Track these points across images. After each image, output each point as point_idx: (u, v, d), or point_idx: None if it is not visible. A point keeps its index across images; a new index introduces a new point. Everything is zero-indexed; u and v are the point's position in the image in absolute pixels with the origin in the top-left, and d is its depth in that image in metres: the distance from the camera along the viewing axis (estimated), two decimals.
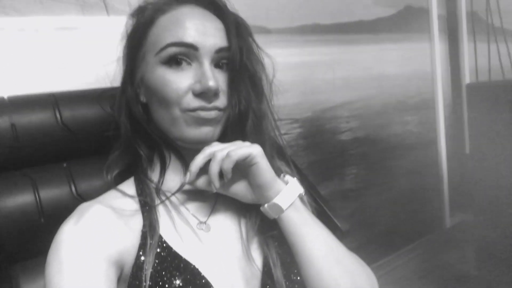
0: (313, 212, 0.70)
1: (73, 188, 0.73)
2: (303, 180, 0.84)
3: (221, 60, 0.62)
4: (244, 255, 0.61)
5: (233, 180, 0.60)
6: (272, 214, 0.61)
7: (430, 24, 2.03)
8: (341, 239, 0.85)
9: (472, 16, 2.18)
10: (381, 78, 1.77)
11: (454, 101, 2.17)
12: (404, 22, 1.91)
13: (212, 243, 0.61)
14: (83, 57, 0.99)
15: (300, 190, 0.63)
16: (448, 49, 2.15)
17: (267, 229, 0.63)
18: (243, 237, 0.62)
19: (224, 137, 0.64)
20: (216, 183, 0.57)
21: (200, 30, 0.59)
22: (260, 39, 0.68)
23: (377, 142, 1.75)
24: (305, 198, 0.70)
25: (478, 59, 2.18)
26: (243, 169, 0.59)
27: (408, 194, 1.90)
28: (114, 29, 0.71)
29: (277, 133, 0.71)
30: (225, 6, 0.65)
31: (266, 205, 0.60)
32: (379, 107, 1.77)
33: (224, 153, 0.57)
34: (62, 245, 0.53)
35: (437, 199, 2.08)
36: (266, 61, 0.69)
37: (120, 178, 0.68)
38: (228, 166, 0.56)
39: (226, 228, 0.64)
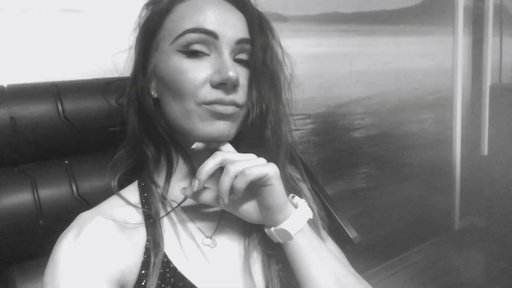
0: (323, 226, 0.66)
1: (74, 188, 0.69)
2: (315, 187, 0.80)
3: (241, 52, 0.58)
4: (247, 275, 0.57)
5: (242, 198, 0.56)
6: (278, 239, 0.57)
7: (455, 16, 1.93)
8: (353, 251, 0.82)
9: (501, 8, 2.07)
10: (400, 73, 1.70)
11: (473, 100, 2.08)
12: (428, 13, 1.81)
13: (217, 260, 0.58)
14: (90, 43, 0.93)
15: (310, 214, 0.58)
16: (472, 44, 2.06)
17: (271, 249, 0.59)
18: (246, 256, 0.59)
19: (239, 139, 0.60)
20: (226, 199, 0.53)
21: (221, 18, 0.56)
22: (275, 27, 0.64)
23: (390, 141, 1.69)
24: (315, 210, 0.65)
25: (503, 56, 2.09)
26: (254, 188, 0.55)
27: (419, 195, 1.85)
28: (125, 12, 0.65)
29: (291, 139, 0.67)
30: (249, 1, 0.61)
31: (272, 229, 0.56)
32: (396, 104, 1.70)
33: (239, 167, 0.52)
34: (60, 265, 0.49)
35: (448, 201, 2.03)
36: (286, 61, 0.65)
37: (124, 179, 0.64)
38: (242, 185, 0.52)
39: (231, 243, 0.60)
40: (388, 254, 1.72)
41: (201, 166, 0.53)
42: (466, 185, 2.05)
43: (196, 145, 0.56)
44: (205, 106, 0.55)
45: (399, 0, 1.68)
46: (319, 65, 1.39)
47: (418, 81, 1.78)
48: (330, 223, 0.74)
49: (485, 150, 2.04)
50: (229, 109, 0.55)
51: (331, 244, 0.66)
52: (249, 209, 0.57)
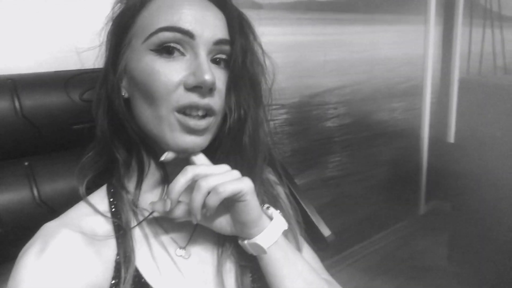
0: (300, 232, 0.66)
1: (36, 192, 0.65)
2: (292, 189, 0.80)
3: (219, 54, 0.55)
4: (219, 287, 0.56)
5: (215, 212, 0.54)
6: (252, 252, 0.56)
7: (427, 5, 1.94)
8: (326, 249, 0.83)
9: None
10: (374, 62, 1.70)
11: (442, 89, 2.13)
12: (402, 2, 1.81)
13: (190, 272, 0.56)
14: (51, 31, 0.86)
15: (284, 226, 0.57)
16: (442, 33, 2.09)
17: (244, 260, 0.58)
18: (219, 267, 0.57)
19: (216, 145, 0.58)
20: (198, 216, 0.51)
21: (199, 17, 0.52)
22: (249, 15, 0.61)
23: (362, 129, 1.71)
24: (293, 217, 0.65)
25: (472, 46, 2.14)
26: (228, 202, 0.53)
27: (388, 181, 1.90)
28: None
29: (270, 140, 0.65)
30: None
31: (246, 242, 0.55)
32: (369, 93, 1.71)
33: (211, 183, 0.50)
34: (23, 285, 0.46)
35: (415, 187, 2.10)
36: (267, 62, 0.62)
37: (91, 182, 0.60)
38: (214, 203, 0.50)
39: (205, 254, 0.59)
40: (356, 240, 1.77)
41: (172, 184, 0.50)
42: (433, 171, 2.12)
43: (165, 156, 0.54)
44: (177, 115, 0.51)
45: None
46: (294, 53, 1.37)
47: (391, 70, 1.80)
48: (305, 223, 0.75)
49: (451, 138, 2.10)
50: (202, 124, 0.52)
51: (306, 251, 0.66)
52: (223, 223, 0.55)
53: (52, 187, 0.66)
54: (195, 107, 0.51)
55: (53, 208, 0.64)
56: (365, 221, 1.80)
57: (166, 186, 0.57)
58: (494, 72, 2.24)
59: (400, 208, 2.02)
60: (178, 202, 0.53)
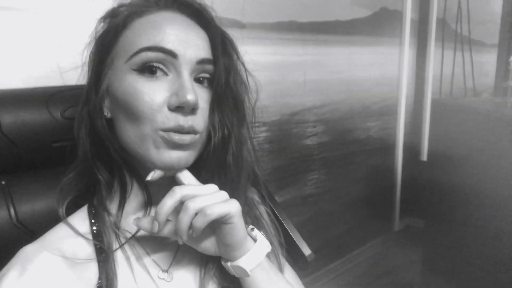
0: (282, 253, 0.66)
1: (12, 212, 0.63)
2: (274, 209, 0.80)
3: (202, 73, 0.55)
4: None
5: (201, 233, 0.54)
6: (234, 273, 0.56)
7: (402, 28, 2.03)
8: (307, 268, 0.84)
9: (443, 23, 2.21)
10: (351, 82, 1.75)
11: (416, 109, 2.21)
12: (378, 25, 1.88)
13: None
14: (32, 46, 0.85)
15: (268, 248, 0.58)
16: (416, 55, 2.17)
17: (227, 281, 0.58)
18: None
19: (200, 166, 0.57)
20: (185, 237, 0.51)
21: (181, 37, 0.53)
22: (232, 34, 0.62)
23: (339, 147, 1.74)
24: (275, 238, 0.65)
25: (444, 67, 2.24)
26: (214, 224, 0.53)
27: (364, 198, 1.94)
28: (74, 13, 0.60)
29: (253, 158, 0.65)
30: (212, 19, 0.58)
31: (229, 263, 0.55)
32: (346, 112, 1.75)
33: (199, 205, 0.50)
34: None
35: (389, 203, 2.15)
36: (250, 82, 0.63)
37: (71, 202, 0.59)
38: (201, 225, 0.50)
39: (188, 276, 0.58)
40: (334, 256, 1.79)
41: (159, 206, 0.50)
42: (406, 188, 2.18)
43: (152, 176, 0.53)
44: (161, 133, 0.52)
45: (352, 11, 1.72)
46: (275, 73, 1.39)
47: (367, 90, 1.85)
48: (286, 242, 0.75)
49: (424, 156, 2.17)
50: (186, 139, 0.52)
51: (288, 271, 0.67)
52: (207, 244, 0.55)
53: (29, 207, 0.64)
54: (180, 129, 0.52)
55: (31, 229, 0.62)
56: (342, 237, 1.83)
57: (149, 208, 0.57)
58: (465, 93, 2.34)
59: (376, 225, 2.06)
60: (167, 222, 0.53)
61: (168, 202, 0.50)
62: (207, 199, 0.50)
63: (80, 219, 0.57)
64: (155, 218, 0.50)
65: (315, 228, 1.67)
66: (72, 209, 0.59)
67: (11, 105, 0.67)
